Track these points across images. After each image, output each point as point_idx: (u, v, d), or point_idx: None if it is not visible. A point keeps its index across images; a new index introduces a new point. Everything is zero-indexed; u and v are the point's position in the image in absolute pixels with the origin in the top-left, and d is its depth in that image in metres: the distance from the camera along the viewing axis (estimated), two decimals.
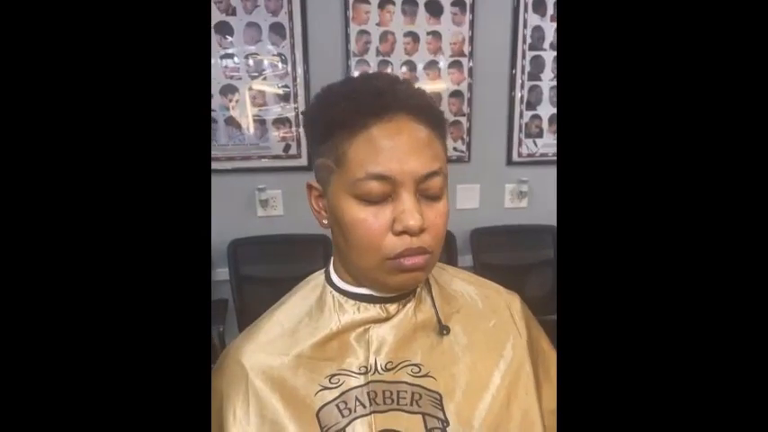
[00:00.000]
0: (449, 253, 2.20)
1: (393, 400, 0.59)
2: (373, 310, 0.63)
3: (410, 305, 0.64)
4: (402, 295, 0.64)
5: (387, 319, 0.63)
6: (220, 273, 2.11)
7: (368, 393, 0.59)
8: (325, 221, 0.62)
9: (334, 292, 0.65)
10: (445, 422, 0.58)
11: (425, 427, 0.57)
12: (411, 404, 0.59)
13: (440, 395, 0.59)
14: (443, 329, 0.64)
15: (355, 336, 0.62)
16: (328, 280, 0.67)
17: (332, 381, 0.60)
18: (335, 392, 0.59)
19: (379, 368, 0.61)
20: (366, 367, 0.61)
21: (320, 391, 0.59)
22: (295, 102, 2.05)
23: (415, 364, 0.61)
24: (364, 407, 0.58)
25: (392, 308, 0.63)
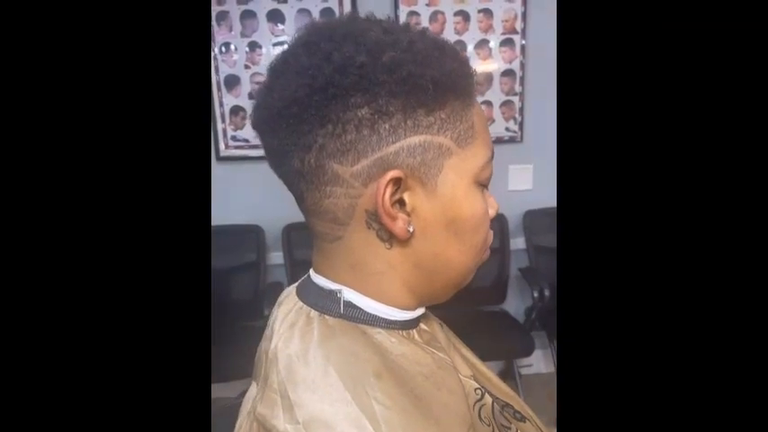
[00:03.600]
0: (501, 236, 2.17)
1: None
2: (433, 327, 0.52)
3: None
4: None
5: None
6: (275, 257, 2.18)
7: (499, 412, 0.51)
8: (411, 228, 0.43)
9: (407, 330, 0.48)
10: (507, 405, 0.56)
11: (510, 416, 0.54)
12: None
13: (480, 386, 0.56)
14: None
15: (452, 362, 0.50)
16: (363, 319, 0.46)
17: (483, 418, 0.48)
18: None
19: (477, 379, 0.52)
20: (480, 389, 0.51)
21: None
22: None
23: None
24: (509, 428, 0.50)
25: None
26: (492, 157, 0.46)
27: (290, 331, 0.45)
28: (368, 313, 0.46)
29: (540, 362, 2.37)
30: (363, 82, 0.39)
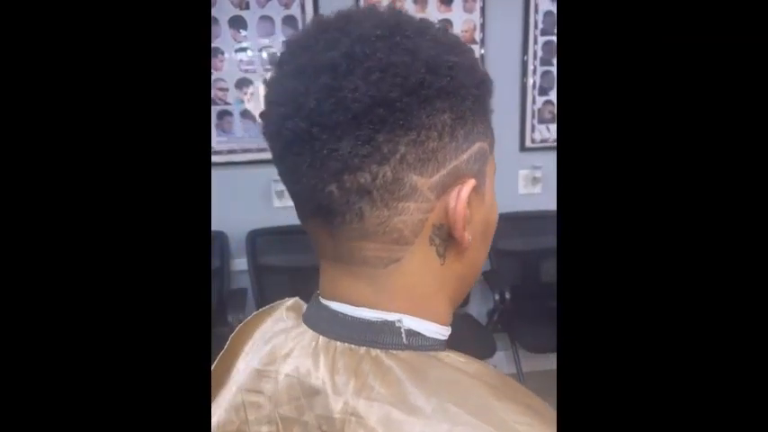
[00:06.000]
0: None
1: None
2: None
3: None
4: None
5: None
6: (239, 263, 2.17)
7: None
8: (470, 238, 0.39)
9: (448, 353, 0.41)
10: None
11: None
12: None
13: None
14: None
15: None
16: (427, 345, 0.40)
17: None
18: None
19: None
20: None
21: None
22: None
23: None
24: None
25: None
26: None
27: (357, 380, 0.37)
28: (429, 338, 0.40)
29: (503, 363, 2.42)
30: (452, 84, 0.35)
